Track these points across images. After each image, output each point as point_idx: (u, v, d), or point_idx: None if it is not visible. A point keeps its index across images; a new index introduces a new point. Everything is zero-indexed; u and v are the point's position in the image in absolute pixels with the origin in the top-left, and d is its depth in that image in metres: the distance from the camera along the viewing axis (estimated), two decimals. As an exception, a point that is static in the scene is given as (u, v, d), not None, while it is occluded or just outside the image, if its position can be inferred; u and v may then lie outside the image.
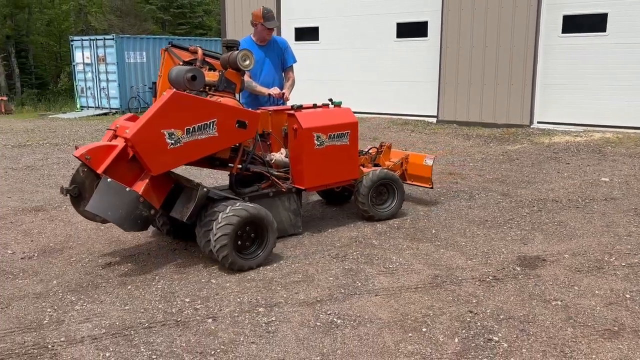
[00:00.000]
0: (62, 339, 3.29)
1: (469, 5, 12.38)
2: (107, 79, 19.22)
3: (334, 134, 5.09)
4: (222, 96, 4.58)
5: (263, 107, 5.34)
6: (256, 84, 5.61)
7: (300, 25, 15.53)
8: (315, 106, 5.33)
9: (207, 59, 4.82)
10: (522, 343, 3.21)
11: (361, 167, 5.57)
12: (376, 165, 5.85)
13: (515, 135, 10.96)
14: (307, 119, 4.99)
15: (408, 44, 13.73)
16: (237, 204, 4.29)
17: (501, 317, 3.53)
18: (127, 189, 4.07)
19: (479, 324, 3.45)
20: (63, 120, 16.97)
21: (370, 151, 5.92)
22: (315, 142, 4.98)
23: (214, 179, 7.35)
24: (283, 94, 5.70)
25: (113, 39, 18.97)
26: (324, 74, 15.21)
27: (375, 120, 13.29)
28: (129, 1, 32.76)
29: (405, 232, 5.20)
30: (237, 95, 4.83)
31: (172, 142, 4.11)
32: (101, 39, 19.39)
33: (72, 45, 20.53)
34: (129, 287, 4.05)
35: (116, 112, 18.82)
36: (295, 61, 6.00)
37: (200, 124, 4.22)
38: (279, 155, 5.14)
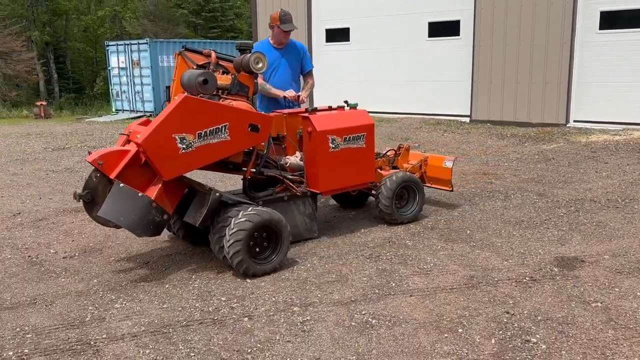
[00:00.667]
0: (103, 336, 3.38)
1: (502, 3, 12.21)
2: (142, 83, 19.59)
3: (350, 137, 4.99)
4: (234, 99, 4.53)
5: (278, 110, 5.28)
6: (270, 86, 5.58)
7: (330, 26, 15.56)
8: (330, 108, 5.25)
9: (221, 62, 4.73)
10: (561, 345, 3.16)
11: (379, 170, 5.47)
12: (394, 167, 5.74)
13: (550, 135, 10.76)
14: (322, 121, 4.89)
15: (440, 43, 13.62)
16: (250, 209, 4.22)
17: (539, 318, 3.48)
18: (140, 194, 4.04)
19: (516, 325, 3.41)
20: (99, 123, 17.38)
21: (388, 153, 5.81)
22: (330, 144, 4.89)
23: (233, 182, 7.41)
24: (298, 96, 5.63)
25: (147, 43, 19.32)
26: (354, 75, 15.21)
27: (407, 121, 13.22)
28: (161, 6, 33.35)
29: (440, 233, 5.16)
30: (251, 98, 4.75)
31: (184, 146, 4.06)
32: (135, 44, 19.77)
33: (107, 50, 21.01)
34: (167, 286, 4.13)
35: (150, 114, 19.16)
36: (312, 66, 5.96)
37: (211, 128, 4.16)
38: (294, 159, 5.06)
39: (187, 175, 4.42)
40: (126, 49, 19.95)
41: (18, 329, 3.49)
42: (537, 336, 3.26)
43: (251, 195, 4.69)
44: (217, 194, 4.23)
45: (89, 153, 4.25)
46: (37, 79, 28.45)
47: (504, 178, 7.34)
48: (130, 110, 20.12)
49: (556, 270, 4.23)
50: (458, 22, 13.23)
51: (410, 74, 14.19)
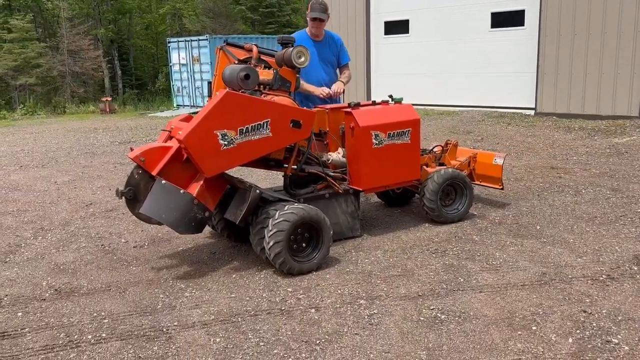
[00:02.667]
0: (175, 324, 3.46)
1: (570, -9, 11.71)
2: (201, 78, 20.00)
3: (394, 132, 4.80)
4: (276, 95, 4.44)
5: (320, 105, 5.12)
6: (303, 81, 5.25)
7: (389, 18, 15.37)
8: (374, 103, 5.08)
9: (263, 57, 4.65)
10: (645, 347, 2.99)
11: (425, 167, 5.28)
12: (441, 164, 5.54)
13: (622, 127, 10.25)
14: (365, 116, 4.73)
15: (503, 33, 13.20)
16: (286, 207, 4.11)
17: (619, 318, 3.31)
18: (182, 191, 4.00)
19: (594, 324, 3.25)
20: (161, 118, 17.88)
21: (434, 149, 5.61)
22: (374, 140, 4.71)
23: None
24: (330, 92, 5.34)
25: (207, 39, 19.68)
26: (414, 68, 14.98)
27: (468, 114, 12.92)
28: (220, 3, 33.96)
29: (508, 228, 5.01)
30: (293, 94, 4.67)
31: (225, 143, 4.01)
32: (195, 40, 20.19)
33: (169, 46, 21.55)
34: (234, 275, 4.19)
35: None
36: (349, 59, 5.70)
37: (253, 124, 4.10)
38: (336, 155, 4.91)
39: (230, 171, 4.38)
40: (187, 46, 20.40)
41: (95, 314, 3.62)
42: (619, 337, 3.10)
43: (292, 193, 4.59)
44: (258, 190, 4.18)
45: (131, 149, 4.24)
46: (102, 76, 29.56)
47: (574, 172, 7.04)
48: (191, 106, 20.58)
49: (636, 268, 4.02)
50: (523, 11, 12.78)
51: (471, 66, 13.84)
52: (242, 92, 4.20)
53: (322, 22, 5.30)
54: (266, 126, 4.16)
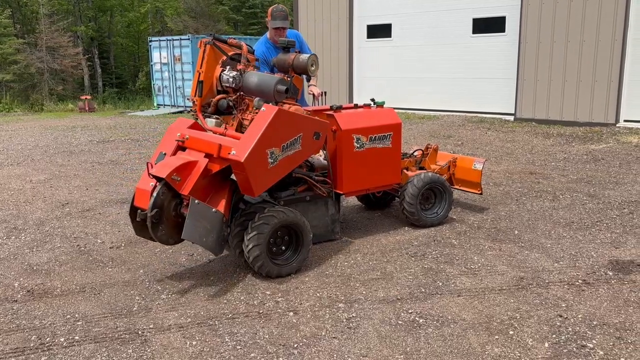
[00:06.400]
0: (150, 326, 3.41)
1: (550, -1, 11.87)
2: (183, 78, 19.83)
3: (375, 136, 4.80)
4: (291, 104, 4.32)
5: (304, 108, 4.99)
6: None
7: (372, 22, 15.40)
8: (356, 106, 5.08)
9: (248, 55, 4.51)
10: (620, 351, 3.02)
11: (405, 171, 5.28)
12: (421, 168, 5.55)
13: (599, 134, 10.41)
14: (347, 120, 4.71)
15: (484, 39, 13.32)
16: (266, 210, 4.06)
17: (594, 323, 3.34)
18: (214, 210, 3.83)
19: (570, 329, 3.28)
20: (141, 117, 17.69)
21: (415, 153, 5.60)
22: (355, 144, 4.69)
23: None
24: (324, 92, 5.38)
25: (189, 39, 19.54)
26: (395, 72, 15.03)
27: (449, 118, 13.00)
28: (203, 2, 33.72)
29: (487, 233, 5.04)
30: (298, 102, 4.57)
31: (272, 161, 3.92)
32: (177, 39, 20.01)
33: (150, 45, 21.33)
34: (212, 278, 4.15)
35: (191, 109, 19.38)
36: (312, 54, 5.69)
37: (291, 140, 4.04)
38: (317, 158, 4.87)
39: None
40: (168, 45, 20.22)
41: (68, 316, 3.55)
42: (594, 341, 3.13)
43: (274, 195, 4.54)
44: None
45: (150, 166, 3.91)
46: (82, 74, 29.15)
47: (552, 178, 7.12)
48: (172, 105, 20.40)
49: (611, 274, 4.07)
50: (504, 18, 12.91)
51: (453, 71, 13.93)
52: (278, 104, 4.08)
53: (285, 30, 5.26)
54: (299, 140, 4.11)
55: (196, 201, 3.76)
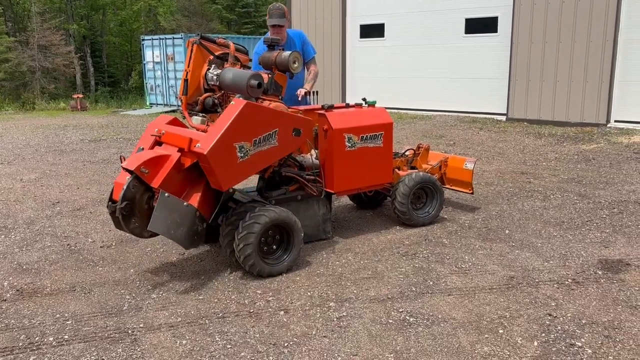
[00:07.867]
0: (140, 325, 3.40)
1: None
2: (176, 77, 19.77)
3: (367, 136, 4.79)
4: (272, 101, 4.33)
5: (293, 107, 4.95)
6: None
7: (365, 22, 15.43)
8: (347, 106, 5.09)
9: (237, 54, 4.50)
10: (608, 350, 3.04)
11: (397, 170, 5.29)
12: (413, 168, 5.56)
13: (590, 135, 10.47)
14: (338, 119, 4.70)
15: (477, 40, 13.37)
16: (257, 209, 4.06)
17: (583, 321, 3.36)
18: (185, 204, 3.85)
19: (559, 327, 3.30)
20: (134, 116, 17.63)
21: (406, 153, 5.61)
22: (347, 143, 4.69)
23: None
24: (307, 93, 5.37)
25: (181, 38, 19.47)
26: (388, 71, 15.06)
27: (441, 118, 13.04)
28: (196, 1, 33.64)
29: (477, 232, 5.06)
30: (282, 99, 4.56)
31: (242, 155, 3.92)
32: (170, 38, 19.95)
33: (143, 44, 21.25)
34: (202, 277, 4.14)
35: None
36: (315, 53, 5.65)
37: (265, 135, 4.03)
38: (308, 157, 4.87)
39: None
40: (161, 44, 20.15)
41: (58, 316, 3.53)
42: (582, 340, 3.15)
43: (265, 195, 4.54)
44: (230, 190, 4.13)
45: (123, 159, 4.02)
46: (74, 72, 29.01)
47: (543, 178, 7.16)
48: (164, 104, 20.33)
49: (600, 273, 4.09)
50: (496, 18, 12.97)
51: (445, 71, 13.97)
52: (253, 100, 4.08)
53: (282, 28, 5.28)
54: (274, 136, 4.11)
55: (166, 194, 3.78)
